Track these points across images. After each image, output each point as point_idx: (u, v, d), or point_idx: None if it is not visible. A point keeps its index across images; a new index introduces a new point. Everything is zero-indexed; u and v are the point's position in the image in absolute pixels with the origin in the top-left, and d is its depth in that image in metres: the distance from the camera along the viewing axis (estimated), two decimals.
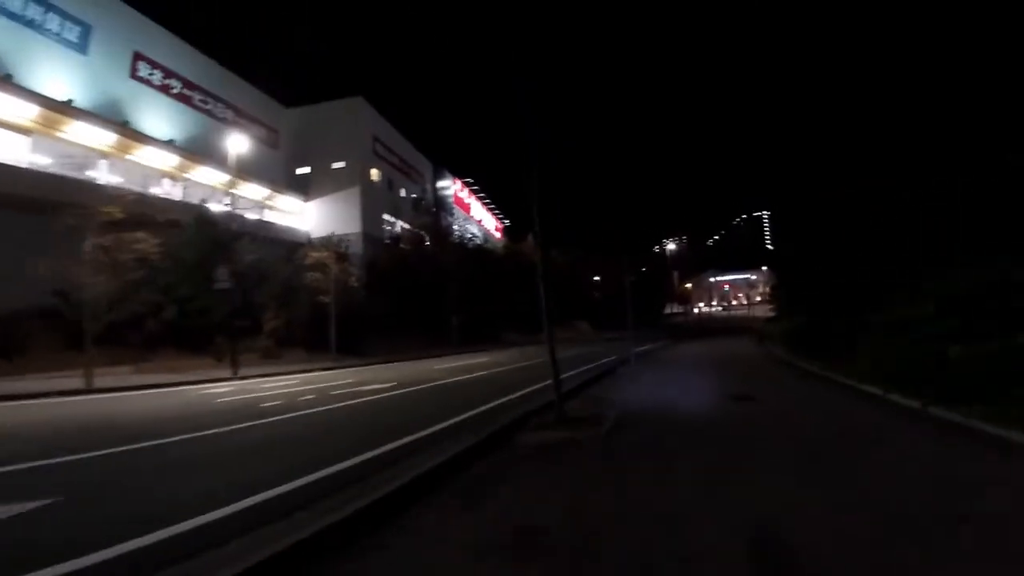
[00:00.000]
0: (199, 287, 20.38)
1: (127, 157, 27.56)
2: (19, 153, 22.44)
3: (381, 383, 12.60)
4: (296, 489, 4.03)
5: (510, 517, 3.48)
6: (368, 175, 42.83)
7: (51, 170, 22.72)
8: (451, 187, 62.01)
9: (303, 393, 11.29)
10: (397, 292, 34.68)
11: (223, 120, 34.70)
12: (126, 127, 27.46)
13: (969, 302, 8.57)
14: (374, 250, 39.16)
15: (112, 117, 26.73)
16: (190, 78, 33.01)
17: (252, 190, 34.77)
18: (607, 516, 3.40)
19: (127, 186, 25.75)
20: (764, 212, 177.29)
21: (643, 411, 7.61)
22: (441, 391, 11.10)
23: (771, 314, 41.14)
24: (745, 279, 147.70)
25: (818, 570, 2.50)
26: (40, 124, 23.22)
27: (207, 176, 31.47)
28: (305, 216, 39.97)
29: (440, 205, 54.52)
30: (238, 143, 24.20)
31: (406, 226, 45.10)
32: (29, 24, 23.84)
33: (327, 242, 31.58)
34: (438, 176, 60.49)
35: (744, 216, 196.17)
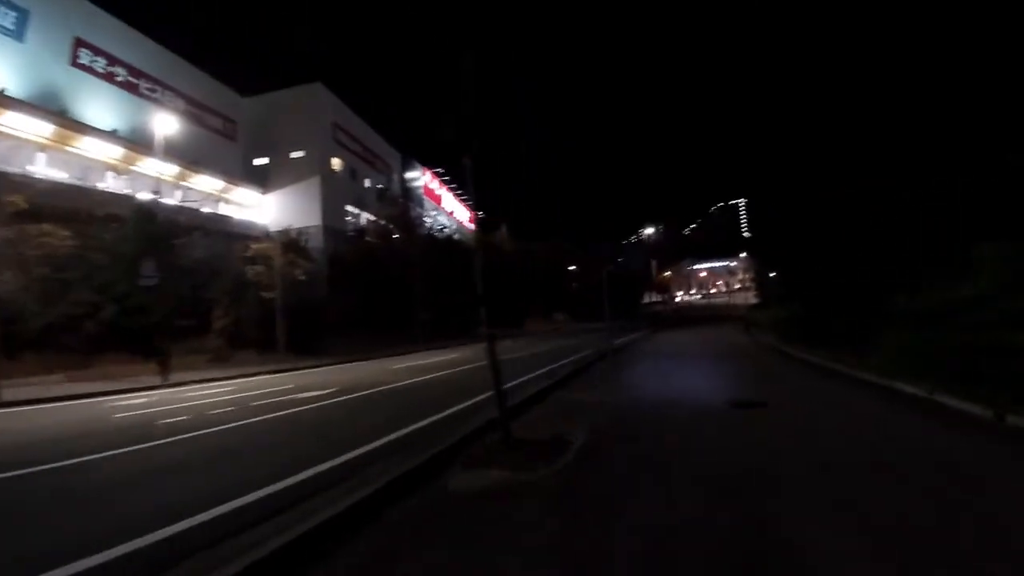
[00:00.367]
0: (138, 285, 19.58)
1: (68, 149, 26.42)
2: None
3: (321, 389, 11.95)
4: None
5: None
6: (329, 164, 41.66)
7: None
8: (421, 178, 61.01)
9: (225, 404, 10.59)
10: (363, 287, 33.92)
11: (173, 109, 33.40)
12: (65, 117, 26.23)
13: None
14: (337, 243, 38.28)
15: (51, 107, 25.50)
16: (137, 65, 31.60)
17: (206, 182, 33.67)
18: None
19: (69, 180, 24.90)
20: (741, 200, 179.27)
21: (621, 428, 6.22)
22: (385, 398, 10.37)
23: (754, 301, 41.28)
24: (724, 266, 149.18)
25: None
26: None
27: (156, 168, 30.29)
28: (264, 209, 38.90)
29: (409, 196, 53.60)
30: (168, 124, 23.15)
31: (372, 218, 44.19)
32: None
33: (284, 235, 30.83)
34: (407, 167, 59.41)
35: (721, 204, 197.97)
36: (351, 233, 42.12)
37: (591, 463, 4.75)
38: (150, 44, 32.94)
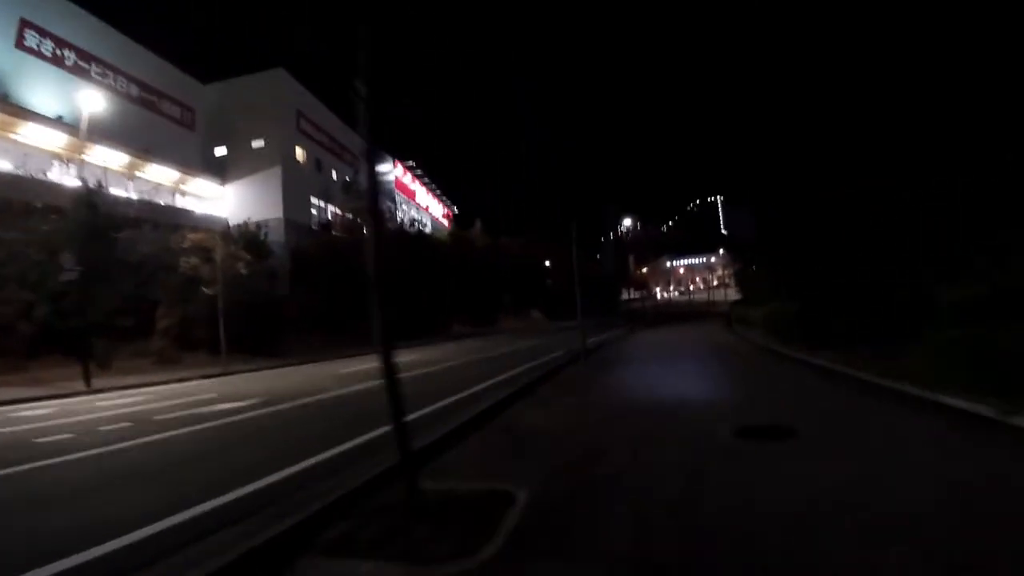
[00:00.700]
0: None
1: (9, 136, 25.34)
2: None
3: (243, 400, 11.19)
4: None
5: None
6: (292, 154, 40.58)
7: None
8: (392, 171, 60.15)
9: (125, 418, 9.68)
10: (328, 283, 33.16)
11: (126, 96, 32.23)
12: (5, 102, 25.10)
13: None
14: (300, 237, 37.49)
15: None
16: (87, 49, 30.35)
17: (160, 172, 32.62)
18: None
19: (6, 170, 23.81)
20: (718, 196, 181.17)
21: (584, 476, 4.41)
22: (305, 413, 9.42)
23: (736, 298, 41.31)
24: (704, 263, 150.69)
25: None
26: None
27: (108, 158, 29.23)
28: (224, 202, 37.86)
29: (379, 189, 52.70)
30: (94, 101, 22.47)
31: (338, 211, 43.39)
32: None
33: (243, 228, 30.05)
34: (378, 159, 58.47)
35: (697, 201, 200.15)
36: (315, 227, 41.31)
37: (533, 551, 2.95)
38: (101, 26, 31.62)
